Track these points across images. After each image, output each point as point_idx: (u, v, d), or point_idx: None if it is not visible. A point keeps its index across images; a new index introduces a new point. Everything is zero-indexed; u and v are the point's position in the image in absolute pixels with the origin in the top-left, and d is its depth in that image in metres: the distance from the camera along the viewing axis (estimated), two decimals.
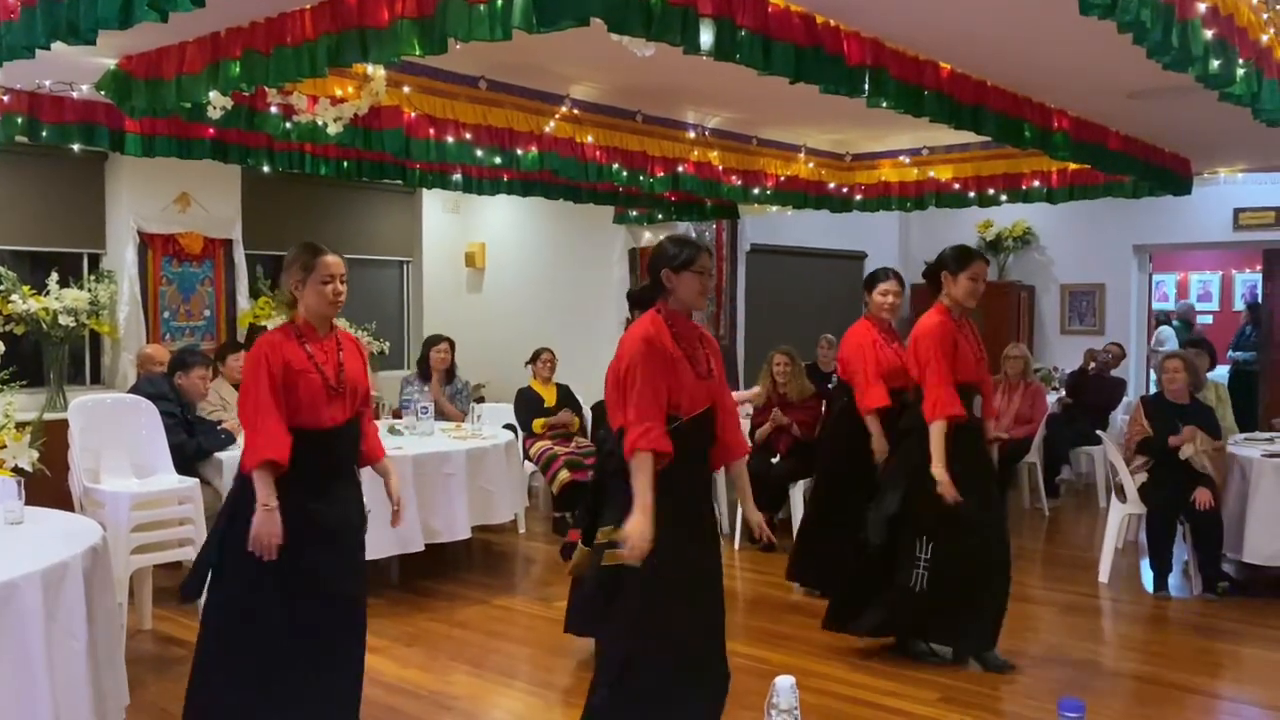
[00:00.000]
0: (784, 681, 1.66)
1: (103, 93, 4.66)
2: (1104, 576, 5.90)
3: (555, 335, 8.31)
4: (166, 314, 7.42)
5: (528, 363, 7.66)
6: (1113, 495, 6.12)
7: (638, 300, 3.35)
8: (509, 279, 9.71)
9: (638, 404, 3.05)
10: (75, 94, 5.09)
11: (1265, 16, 4.04)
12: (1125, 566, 6.13)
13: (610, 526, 3.10)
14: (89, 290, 6.79)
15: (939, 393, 4.25)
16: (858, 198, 7.57)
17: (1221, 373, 10.32)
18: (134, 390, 5.51)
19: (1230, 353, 11.04)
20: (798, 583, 5.68)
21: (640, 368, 3.08)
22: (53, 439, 5.54)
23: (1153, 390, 10.27)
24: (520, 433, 7.24)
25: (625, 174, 5.98)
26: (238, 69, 4.02)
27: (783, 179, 7.06)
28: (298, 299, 3.31)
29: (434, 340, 7.41)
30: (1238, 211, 9.64)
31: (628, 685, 3.09)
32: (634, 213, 8.73)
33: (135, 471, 4.92)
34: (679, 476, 3.14)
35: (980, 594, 4.37)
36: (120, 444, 4.91)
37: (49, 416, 6.09)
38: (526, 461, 7.18)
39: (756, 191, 6.93)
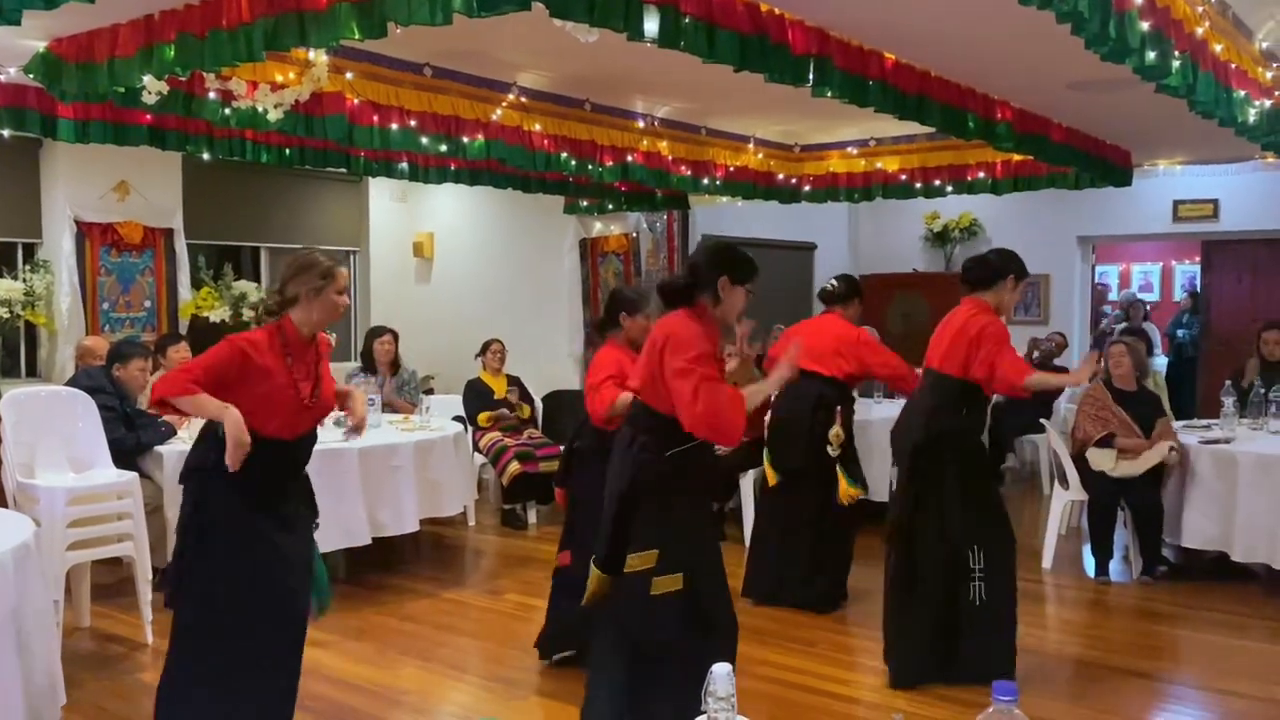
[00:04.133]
0: (721, 669, 1.65)
1: (32, 76, 4.53)
2: (1047, 562, 6.00)
3: (505, 326, 8.24)
4: (106, 305, 7.25)
5: (477, 355, 7.58)
6: (1056, 482, 6.21)
7: (671, 293, 3.18)
8: (458, 269, 9.63)
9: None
10: (3, 77, 4.95)
11: (1200, 9, 4.11)
12: (1068, 552, 6.23)
13: (647, 551, 2.97)
14: (24, 280, 6.62)
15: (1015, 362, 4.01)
16: (806, 189, 7.59)
17: (1160, 362, 10.56)
18: (71, 383, 5.38)
19: (1177, 331, 11.42)
20: (750, 598, 5.24)
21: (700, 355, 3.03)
22: None
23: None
24: (470, 425, 7.18)
25: (574, 163, 5.94)
26: (172, 52, 3.93)
27: (732, 169, 7.06)
28: (299, 303, 3.14)
29: (376, 332, 7.22)
30: (1177, 204, 9.84)
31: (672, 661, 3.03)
32: (584, 203, 8.69)
33: (72, 465, 4.79)
34: (698, 477, 3.15)
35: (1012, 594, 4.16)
36: (55, 438, 4.79)
37: None
38: (476, 453, 7.13)
39: (706, 182, 6.92)
